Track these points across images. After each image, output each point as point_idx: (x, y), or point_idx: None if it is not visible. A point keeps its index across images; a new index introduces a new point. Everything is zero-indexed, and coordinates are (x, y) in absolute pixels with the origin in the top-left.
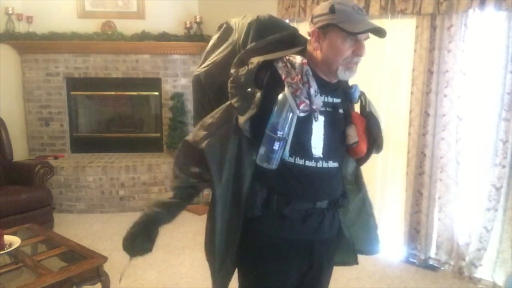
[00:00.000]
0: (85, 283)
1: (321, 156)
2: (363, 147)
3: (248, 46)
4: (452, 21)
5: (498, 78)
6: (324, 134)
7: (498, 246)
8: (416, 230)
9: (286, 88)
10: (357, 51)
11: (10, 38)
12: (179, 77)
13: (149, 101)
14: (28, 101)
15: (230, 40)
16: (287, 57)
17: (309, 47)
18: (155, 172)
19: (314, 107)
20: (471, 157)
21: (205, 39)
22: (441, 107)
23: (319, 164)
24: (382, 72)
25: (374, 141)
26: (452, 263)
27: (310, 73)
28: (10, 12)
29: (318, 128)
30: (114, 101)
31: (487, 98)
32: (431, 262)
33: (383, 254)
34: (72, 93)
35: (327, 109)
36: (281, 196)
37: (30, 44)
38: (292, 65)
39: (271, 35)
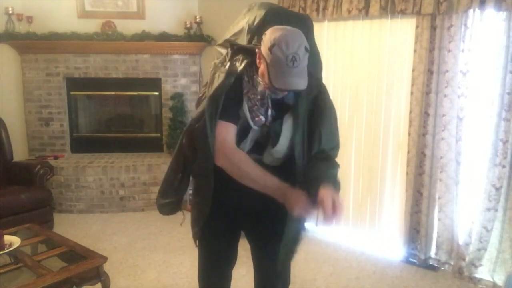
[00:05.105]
0: (85, 283)
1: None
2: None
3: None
4: (452, 21)
5: (498, 78)
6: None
7: (498, 246)
8: (416, 230)
9: (244, 102)
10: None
11: (10, 38)
12: (179, 77)
13: (149, 101)
14: (28, 101)
15: (242, 22)
16: (253, 75)
17: None
18: (155, 172)
19: (267, 123)
20: (471, 157)
21: (205, 39)
22: (441, 107)
23: None
24: (382, 72)
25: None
26: (452, 263)
27: (269, 98)
28: (10, 12)
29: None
30: (114, 101)
31: (487, 98)
32: (431, 262)
33: (383, 254)
34: (72, 93)
35: None
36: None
37: (30, 44)
38: (254, 84)
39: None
